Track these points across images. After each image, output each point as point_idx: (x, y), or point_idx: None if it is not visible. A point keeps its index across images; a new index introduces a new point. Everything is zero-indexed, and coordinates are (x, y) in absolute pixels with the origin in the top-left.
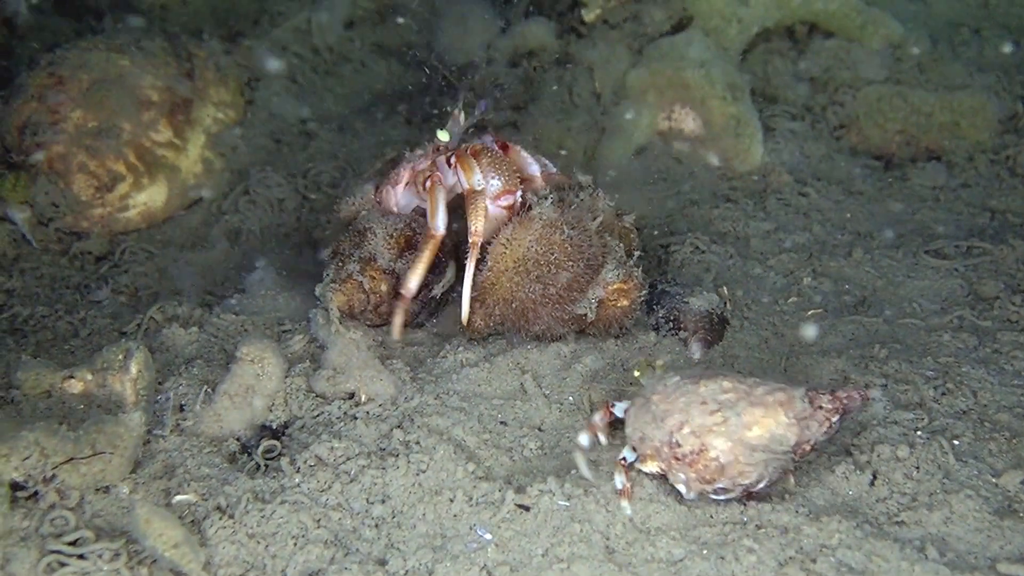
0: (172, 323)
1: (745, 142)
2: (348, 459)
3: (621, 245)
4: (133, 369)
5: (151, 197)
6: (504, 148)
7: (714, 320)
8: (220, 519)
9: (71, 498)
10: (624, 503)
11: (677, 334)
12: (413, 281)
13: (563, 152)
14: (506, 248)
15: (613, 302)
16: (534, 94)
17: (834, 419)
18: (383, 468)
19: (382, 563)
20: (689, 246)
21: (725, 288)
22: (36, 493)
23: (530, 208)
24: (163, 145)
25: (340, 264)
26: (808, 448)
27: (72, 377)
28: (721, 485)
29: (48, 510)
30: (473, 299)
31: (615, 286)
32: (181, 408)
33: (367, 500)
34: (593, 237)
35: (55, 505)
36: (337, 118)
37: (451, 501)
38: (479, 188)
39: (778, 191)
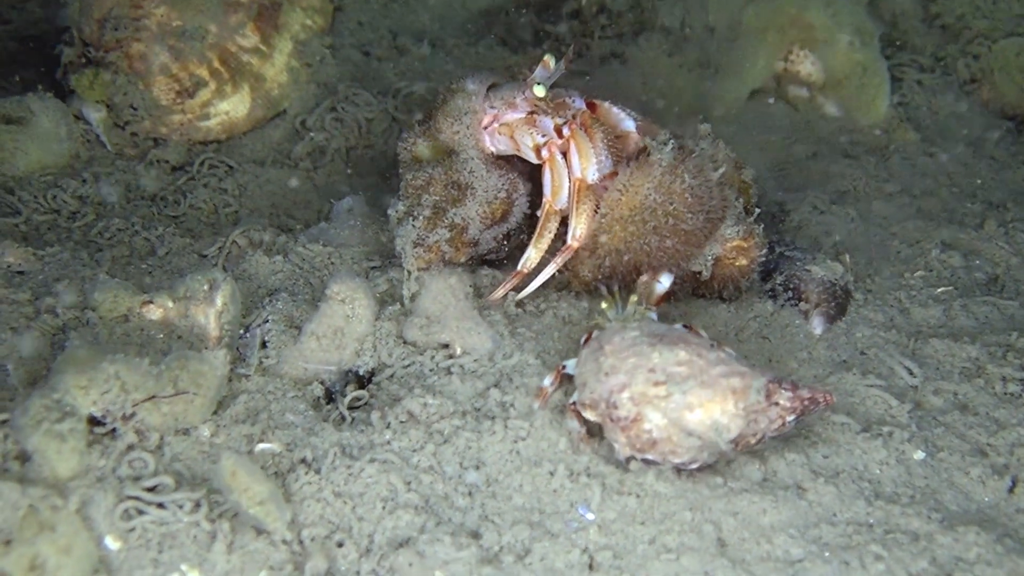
0: (256, 249)
1: (870, 93)
2: (442, 418)
3: (741, 200)
4: (219, 301)
5: (234, 106)
6: (592, 107)
7: (837, 292)
8: (305, 474)
9: (150, 439)
10: (585, 448)
11: (797, 305)
12: (535, 258)
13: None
14: (622, 195)
15: (731, 260)
16: (643, 24)
17: (788, 418)
18: (478, 431)
19: (476, 536)
20: (808, 205)
21: (848, 256)
22: (114, 430)
23: (648, 153)
24: (249, 51)
25: (431, 221)
26: (753, 442)
27: (152, 302)
28: (650, 457)
29: (127, 450)
30: (581, 248)
31: (734, 243)
32: (264, 345)
33: (460, 464)
34: (714, 189)
35: (134, 446)
36: (430, 34)
37: (551, 474)
38: (592, 181)
39: (902, 149)
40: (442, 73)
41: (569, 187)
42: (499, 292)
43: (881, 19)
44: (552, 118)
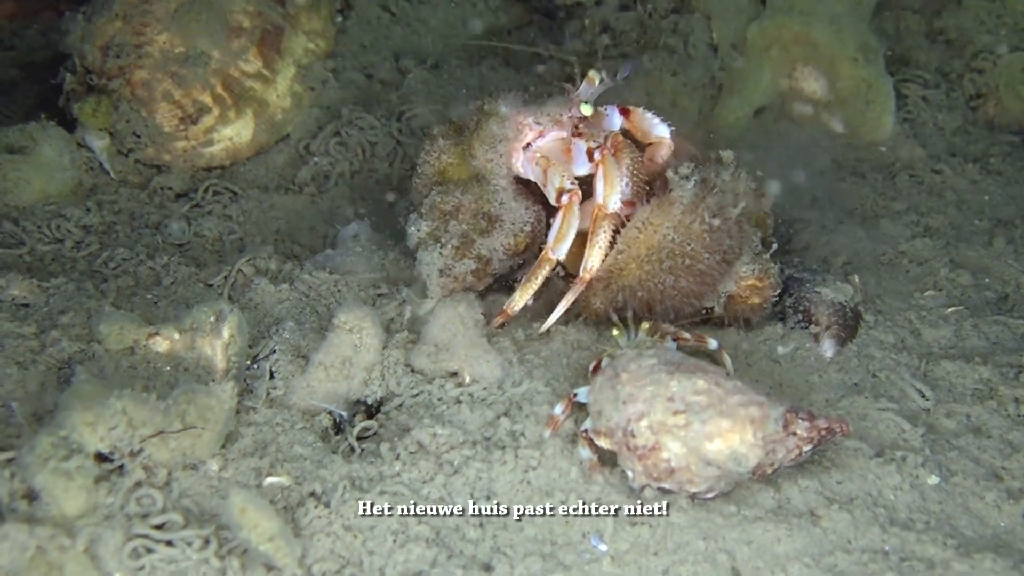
0: (261, 277)
1: (876, 110)
2: (451, 448)
3: (758, 233)
4: (225, 333)
5: (237, 132)
6: (625, 113)
7: (848, 314)
8: (315, 507)
9: (158, 475)
10: (597, 477)
11: (807, 328)
12: (520, 303)
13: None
14: (640, 232)
15: (744, 298)
16: (647, 43)
17: (806, 448)
18: (489, 461)
19: (488, 568)
20: (815, 224)
21: (857, 277)
22: (122, 467)
23: (670, 190)
24: (252, 76)
25: (459, 251)
26: (770, 471)
27: (158, 334)
28: (667, 486)
29: (134, 487)
30: (596, 279)
31: (749, 282)
32: (271, 375)
33: (471, 496)
34: (733, 228)
35: (141, 482)
36: (432, 55)
37: (563, 504)
38: (612, 210)
39: (909, 166)
40: (446, 95)
41: (591, 213)
42: (496, 323)
43: (885, 35)
44: (587, 141)
